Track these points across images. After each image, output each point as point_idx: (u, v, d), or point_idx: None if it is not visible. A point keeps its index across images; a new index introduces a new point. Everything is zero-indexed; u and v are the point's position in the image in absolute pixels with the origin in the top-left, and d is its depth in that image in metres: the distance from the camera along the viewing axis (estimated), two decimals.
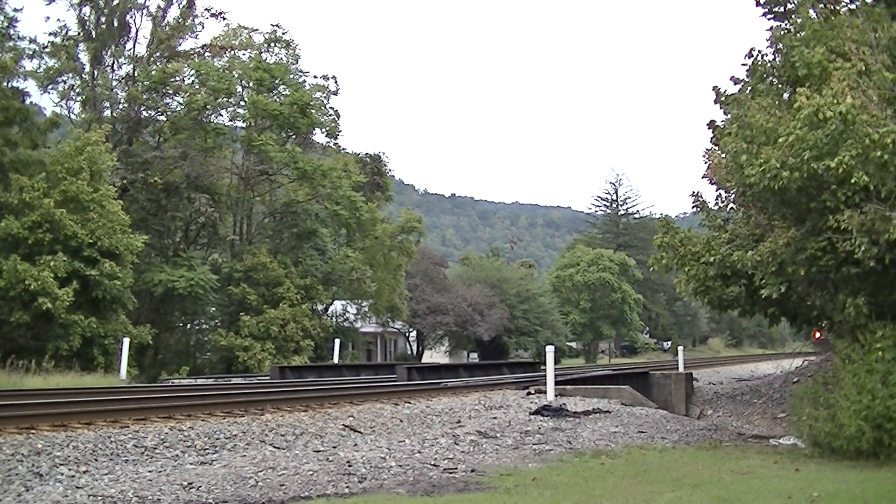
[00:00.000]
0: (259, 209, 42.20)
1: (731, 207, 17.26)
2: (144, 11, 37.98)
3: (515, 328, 57.68)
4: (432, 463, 10.45)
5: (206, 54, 39.74)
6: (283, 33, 42.52)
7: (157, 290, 32.97)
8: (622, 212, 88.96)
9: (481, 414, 15.42)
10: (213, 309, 38.13)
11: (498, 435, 12.94)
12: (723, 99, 17.70)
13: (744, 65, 17.41)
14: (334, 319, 44.03)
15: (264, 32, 42.37)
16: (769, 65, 16.75)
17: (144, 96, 36.29)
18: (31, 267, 25.32)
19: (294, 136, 41.26)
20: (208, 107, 37.27)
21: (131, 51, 38.30)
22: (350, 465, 9.88)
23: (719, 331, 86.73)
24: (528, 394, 18.47)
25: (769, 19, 19.73)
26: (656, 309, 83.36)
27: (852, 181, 11.41)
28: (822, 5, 17.61)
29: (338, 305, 46.79)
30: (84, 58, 37.09)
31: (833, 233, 12.04)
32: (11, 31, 31.11)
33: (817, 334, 48.90)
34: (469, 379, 22.58)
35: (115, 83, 37.40)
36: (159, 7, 38.28)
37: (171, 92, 37.15)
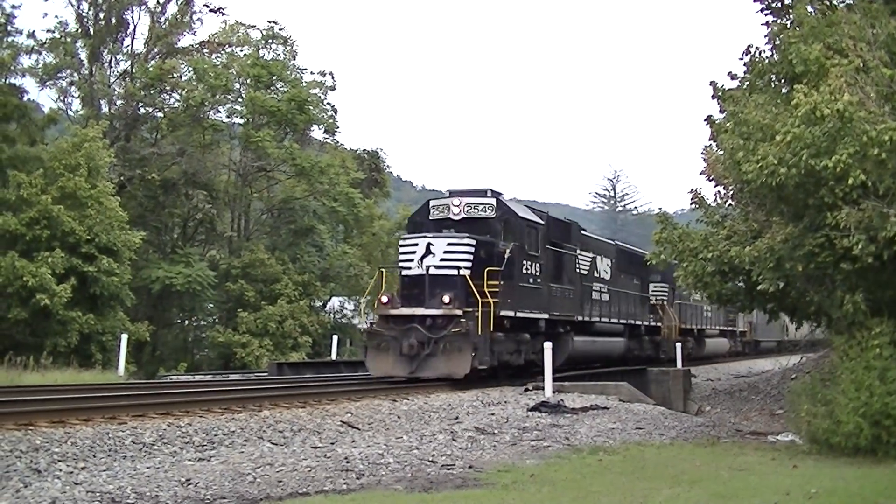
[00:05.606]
0: (257, 206, 42.21)
1: (729, 204, 17.24)
2: (143, 7, 37.96)
3: None
4: (430, 459, 10.45)
5: (204, 51, 39.68)
6: (281, 30, 42.44)
7: (155, 287, 32.95)
8: (620, 208, 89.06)
9: (479, 410, 15.42)
10: (211, 305, 38.14)
11: (496, 431, 12.95)
12: (720, 94, 17.65)
13: (740, 59, 17.39)
14: (332, 316, 44.01)
15: (262, 29, 42.29)
16: (767, 61, 16.71)
17: (142, 93, 36.20)
18: (29, 263, 25.31)
19: (292, 133, 41.19)
20: (206, 103, 37.19)
21: (129, 47, 38.24)
22: (348, 462, 9.87)
23: None
24: (526, 390, 18.46)
25: (766, 14, 19.67)
26: None
27: (849, 181, 11.41)
28: (819, 1, 17.55)
29: (335, 302, 46.76)
30: (82, 54, 37.01)
31: (831, 229, 12.03)
32: (9, 27, 31.10)
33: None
34: None
35: (112, 79, 37.35)
36: (158, 3, 38.23)
37: (168, 88, 37.07)
